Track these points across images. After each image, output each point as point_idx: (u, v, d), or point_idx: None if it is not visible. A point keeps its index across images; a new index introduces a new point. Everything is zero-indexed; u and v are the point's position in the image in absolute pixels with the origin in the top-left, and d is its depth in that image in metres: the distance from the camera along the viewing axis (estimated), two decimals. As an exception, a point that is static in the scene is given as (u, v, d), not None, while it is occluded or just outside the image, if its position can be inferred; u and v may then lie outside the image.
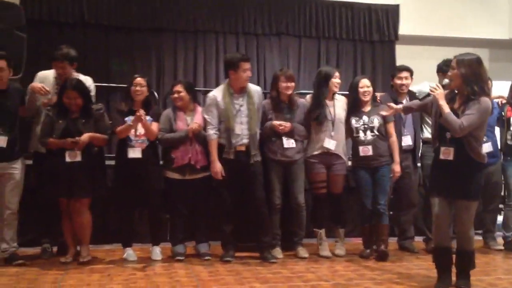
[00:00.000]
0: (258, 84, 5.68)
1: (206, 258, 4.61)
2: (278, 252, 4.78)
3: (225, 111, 4.55)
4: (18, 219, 4.43)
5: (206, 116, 4.61)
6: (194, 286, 3.79)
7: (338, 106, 4.87)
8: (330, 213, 4.95)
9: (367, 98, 4.78)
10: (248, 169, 4.58)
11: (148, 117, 4.52)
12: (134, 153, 4.48)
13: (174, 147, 4.61)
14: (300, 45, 7.03)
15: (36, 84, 4.44)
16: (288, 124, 4.70)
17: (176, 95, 4.71)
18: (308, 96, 5.00)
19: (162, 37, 6.75)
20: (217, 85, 6.50)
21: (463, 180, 3.66)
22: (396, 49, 7.28)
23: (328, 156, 4.81)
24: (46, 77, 4.57)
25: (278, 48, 6.92)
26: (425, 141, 5.18)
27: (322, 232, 4.91)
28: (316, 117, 4.77)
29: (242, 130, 4.56)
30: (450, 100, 3.71)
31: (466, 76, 3.60)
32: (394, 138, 4.81)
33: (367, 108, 4.81)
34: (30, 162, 4.64)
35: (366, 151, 4.72)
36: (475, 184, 3.71)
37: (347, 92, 5.00)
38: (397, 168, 4.78)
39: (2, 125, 4.14)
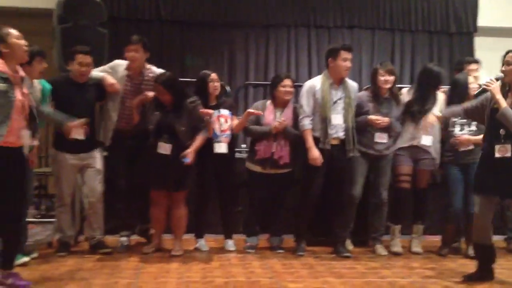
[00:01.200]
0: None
1: (279, 251, 4.63)
2: (348, 243, 4.74)
3: (322, 100, 4.46)
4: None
5: (302, 104, 4.54)
6: (269, 278, 3.82)
7: (437, 102, 4.73)
8: (412, 209, 4.82)
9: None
10: (342, 164, 4.48)
11: (226, 111, 4.56)
12: (221, 148, 4.47)
13: (258, 140, 4.63)
14: (373, 37, 6.88)
15: (109, 80, 4.48)
16: (386, 119, 4.58)
17: (288, 89, 4.65)
18: (405, 90, 4.89)
19: (234, 32, 6.82)
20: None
21: None
22: (474, 41, 7.00)
23: (416, 150, 4.68)
24: (116, 66, 4.57)
25: (351, 41, 6.79)
26: None
27: (397, 228, 4.79)
28: (416, 112, 4.65)
29: (339, 122, 4.47)
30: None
31: None
32: None
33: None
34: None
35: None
36: None
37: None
38: None
39: (81, 117, 4.21)
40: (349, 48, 4.57)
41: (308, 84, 4.61)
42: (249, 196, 4.79)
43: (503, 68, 3.66)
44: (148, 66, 4.61)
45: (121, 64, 4.57)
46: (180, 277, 3.82)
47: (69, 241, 4.49)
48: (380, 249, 4.69)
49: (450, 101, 4.64)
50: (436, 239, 4.91)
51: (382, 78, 4.62)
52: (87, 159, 4.41)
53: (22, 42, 3.37)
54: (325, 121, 4.43)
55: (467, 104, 4.04)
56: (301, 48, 6.82)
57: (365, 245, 4.91)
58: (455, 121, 4.56)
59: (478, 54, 6.61)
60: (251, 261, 4.32)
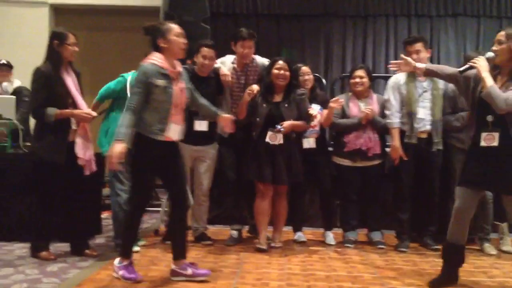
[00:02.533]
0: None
1: (380, 246, 4.55)
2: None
3: (407, 94, 4.41)
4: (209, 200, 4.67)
5: (390, 99, 4.49)
6: (371, 273, 3.77)
7: None
8: None
9: None
10: (428, 157, 4.42)
11: (317, 106, 4.56)
12: (309, 143, 4.54)
13: (346, 132, 4.60)
14: (479, 26, 6.58)
15: (223, 70, 4.49)
16: None
17: (357, 80, 4.66)
18: None
19: (331, 23, 6.77)
20: (386, 71, 6.39)
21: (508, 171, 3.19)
22: None
23: None
24: (223, 63, 4.60)
25: (455, 30, 6.55)
26: None
27: (504, 226, 4.60)
28: None
29: (425, 115, 4.38)
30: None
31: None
32: None
33: None
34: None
35: None
36: None
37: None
38: None
39: None
40: (416, 40, 4.46)
41: (392, 79, 4.56)
42: (341, 191, 4.75)
43: (494, 48, 3.27)
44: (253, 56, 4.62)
45: (228, 58, 4.62)
46: (281, 268, 3.86)
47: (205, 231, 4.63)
48: (489, 248, 4.48)
49: None
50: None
51: None
52: (201, 152, 4.50)
53: (181, 40, 3.40)
54: (410, 116, 4.38)
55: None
56: (401, 38, 6.61)
57: (472, 242, 4.70)
58: None
59: None
60: (351, 256, 4.28)
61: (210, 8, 6.45)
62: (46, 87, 3.84)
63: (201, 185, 4.56)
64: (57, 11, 7.62)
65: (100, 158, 4.23)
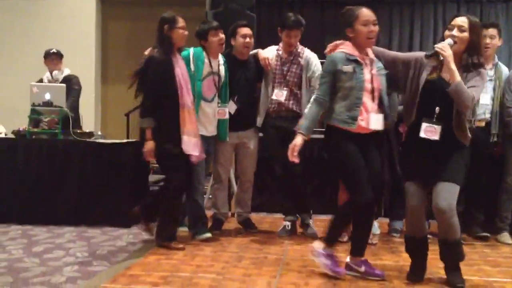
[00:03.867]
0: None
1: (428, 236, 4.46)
2: (506, 237, 4.41)
3: None
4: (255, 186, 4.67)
5: None
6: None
7: None
8: None
9: None
10: (484, 146, 4.32)
11: None
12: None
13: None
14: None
15: (262, 54, 4.45)
16: None
17: None
18: None
19: (377, 10, 6.59)
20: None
21: (451, 163, 3.04)
22: None
23: None
24: (268, 51, 4.51)
25: (506, 15, 6.33)
26: None
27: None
28: None
29: (486, 102, 4.31)
30: (436, 67, 3.06)
31: (474, 44, 2.98)
32: None
33: None
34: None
35: None
36: (464, 167, 3.09)
37: None
38: None
39: (243, 96, 4.37)
40: (491, 25, 4.38)
41: None
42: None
43: (455, 34, 2.99)
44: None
45: (271, 48, 4.53)
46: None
47: (223, 218, 4.61)
48: (504, 238, 4.39)
49: None
50: None
51: None
52: (243, 137, 4.48)
53: (366, 29, 3.19)
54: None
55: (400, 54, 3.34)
56: (450, 24, 6.46)
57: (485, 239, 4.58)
58: None
59: None
60: (397, 246, 4.21)
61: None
62: (162, 77, 3.78)
63: (246, 171, 4.57)
64: (104, 1, 7.77)
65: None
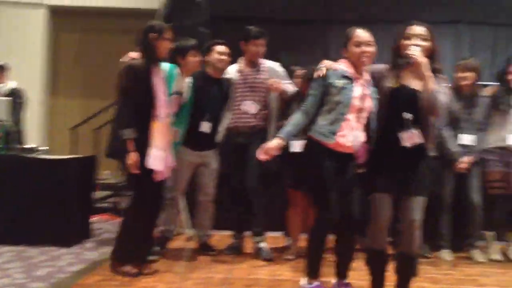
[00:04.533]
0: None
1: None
2: (446, 254, 4.50)
3: None
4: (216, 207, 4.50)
5: None
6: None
7: None
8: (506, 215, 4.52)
9: None
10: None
11: None
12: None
13: None
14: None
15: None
16: None
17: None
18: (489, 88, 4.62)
19: (328, 29, 6.72)
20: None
21: (419, 175, 3.06)
22: None
23: (506, 151, 4.40)
24: (231, 72, 4.44)
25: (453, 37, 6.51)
26: None
27: (492, 234, 4.55)
28: (500, 106, 4.37)
29: None
30: (397, 76, 3.05)
31: (435, 52, 3.00)
32: None
33: None
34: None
35: None
36: (429, 176, 3.13)
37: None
38: None
39: (213, 114, 4.25)
40: None
41: None
42: None
43: (421, 43, 2.95)
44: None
45: (231, 68, 4.46)
46: (272, 274, 3.85)
47: (170, 236, 4.48)
48: (477, 255, 4.45)
49: None
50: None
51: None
52: (206, 157, 4.35)
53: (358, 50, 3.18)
54: None
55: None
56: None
57: (461, 250, 4.70)
58: None
59: None
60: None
61: (210, 11, 6.49)
62: (139, 86, 3.58)
63: (207, 191, 4.42)
64: (54, 12, 7.63)
65: (92, 161, 4.16)
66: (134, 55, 3.65)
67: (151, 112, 3.60)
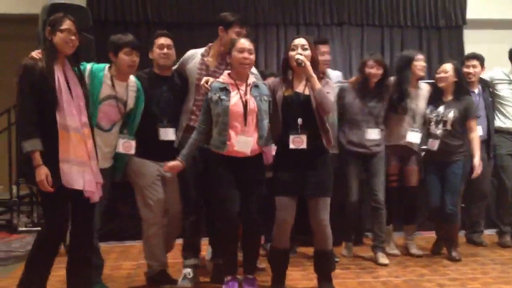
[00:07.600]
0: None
1: None
2: (382, 258, 4.38)
3: None
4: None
5: None
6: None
7: (421, 95, 4.56)
8: (402, 208, 4.69)
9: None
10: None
11: None
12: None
13: None
14: (363, 34, 6.84)
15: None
16: None
17: None
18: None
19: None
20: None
21: (321, 176, 3.41)
22: (464, 34, 6.97)
23: (400, 147, 4.53)
24: (191, 57, 3.87)
25: (340, 38, 6.79)
26: (498, 130, 5.01)
27: (390, 228, 4.66)
28: (398, 108, 4.44)
29: None
30: (289, 84, 3.49)
31: (314, 59, 3.46)
32: (474, 134, 4.43)
33: (448, 98, 4.46)
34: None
35: (432, 144, 4.41)
36: (331, 175, 3.50)
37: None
38: (477, 168, 4.36)
39: (166, 116, 3.76)
40: (324, 41, 4.85)
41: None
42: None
43: (301, 52, 3.41)
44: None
45: (194, 53, 3.88)
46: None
47: (166, 269, 3.84)
48: (382, 259, 4.36)
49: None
50: (432, 235, 4.85)
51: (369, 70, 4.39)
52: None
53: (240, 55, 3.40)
54: None
55: None
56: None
57: (359, 244, 4.89)
58: (430, 117, 4.47)
59: (468, 47, 6.64)
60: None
61: (98, 15, 6.29)
62: (37, 89, 2.96)
63: (173, 205, 3.81)
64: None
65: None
66: (34, 54, 3.09)
67: (54, 119, 2.97)
